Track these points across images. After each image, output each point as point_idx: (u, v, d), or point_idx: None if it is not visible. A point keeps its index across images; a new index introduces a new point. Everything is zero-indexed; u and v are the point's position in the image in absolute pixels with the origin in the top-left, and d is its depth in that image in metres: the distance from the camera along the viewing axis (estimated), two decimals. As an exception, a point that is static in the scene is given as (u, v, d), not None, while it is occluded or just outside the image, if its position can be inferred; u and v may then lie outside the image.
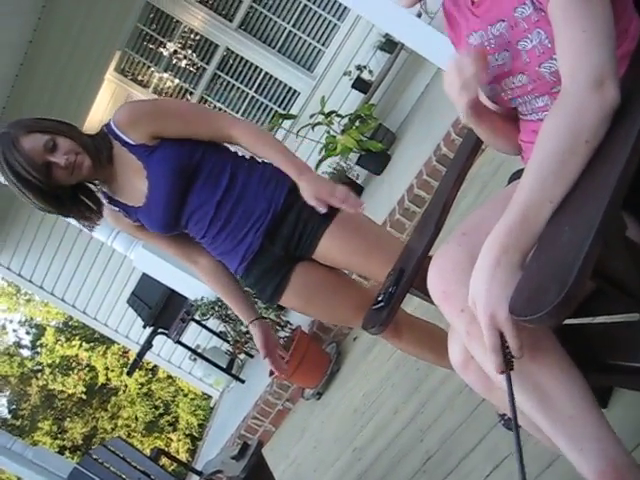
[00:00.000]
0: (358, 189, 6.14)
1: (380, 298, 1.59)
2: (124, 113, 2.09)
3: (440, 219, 1.69)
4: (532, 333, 1.13)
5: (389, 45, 6.06)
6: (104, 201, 2.20)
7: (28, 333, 19.60)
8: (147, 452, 4.58)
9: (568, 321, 1.33)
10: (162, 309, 6.27)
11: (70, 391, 17.82)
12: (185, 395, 17.47)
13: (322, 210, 2.00)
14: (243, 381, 6.21)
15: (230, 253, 2.18)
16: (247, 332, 4.72)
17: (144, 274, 6.02)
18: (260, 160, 2.18)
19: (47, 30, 6.44)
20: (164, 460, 6.98)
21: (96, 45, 6.59)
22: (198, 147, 2.08)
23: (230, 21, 6.71)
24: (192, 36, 6.95)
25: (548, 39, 1.26)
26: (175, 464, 9.73)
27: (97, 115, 6.78)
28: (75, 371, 18.08)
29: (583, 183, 1.06)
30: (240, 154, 2.19)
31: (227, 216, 2.12)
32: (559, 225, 1.04)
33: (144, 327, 6.59)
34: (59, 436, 17.70)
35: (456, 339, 1.35)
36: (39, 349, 18.65)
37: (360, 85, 6.25)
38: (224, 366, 6.42)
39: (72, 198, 2.10)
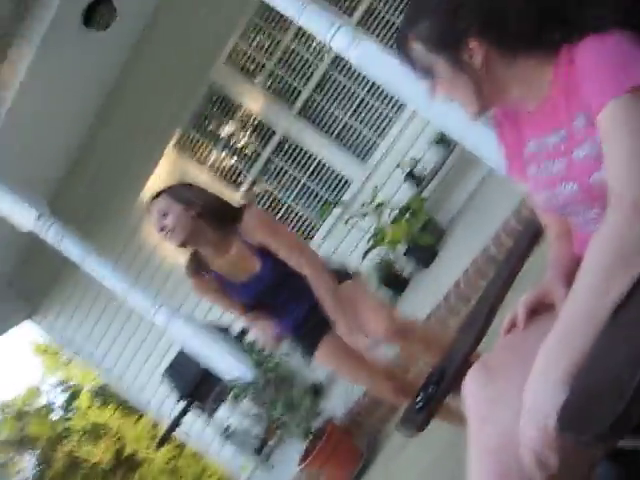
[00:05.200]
0: (403, 282, 6.08)
1: (419, 399, 1.53)
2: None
3: (487, 321, 1.65)
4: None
5: (445, 139, 6.10)
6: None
7: (64, 391, 19.55)
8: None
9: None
10: (197, 385, 6.21)
11: (96, 460, 17.56)
12: (209, 476, 17.07)
13: None
14: (271, 467, 6.05)
15: None
16: (279, 418, 4.63)
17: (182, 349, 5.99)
18: None
19: (115, 106, 6.75)
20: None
21: (160, 122, 6.83)
22: None
23: (289, 108, 6.88)
24: (251, 120, 7.11)
25: (597, 150, 1.27)
26: None
27: (154, 186, 6.94)
28: (103, 439, 17.86)
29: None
30: None
31: None
32: (614, 338, 0.99)
33: (178, 401, 6.52)
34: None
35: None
36: (71, 413, 18.55)
37: (413, 178, 6.29)
38: (254, 450, 6.28)
39: None
